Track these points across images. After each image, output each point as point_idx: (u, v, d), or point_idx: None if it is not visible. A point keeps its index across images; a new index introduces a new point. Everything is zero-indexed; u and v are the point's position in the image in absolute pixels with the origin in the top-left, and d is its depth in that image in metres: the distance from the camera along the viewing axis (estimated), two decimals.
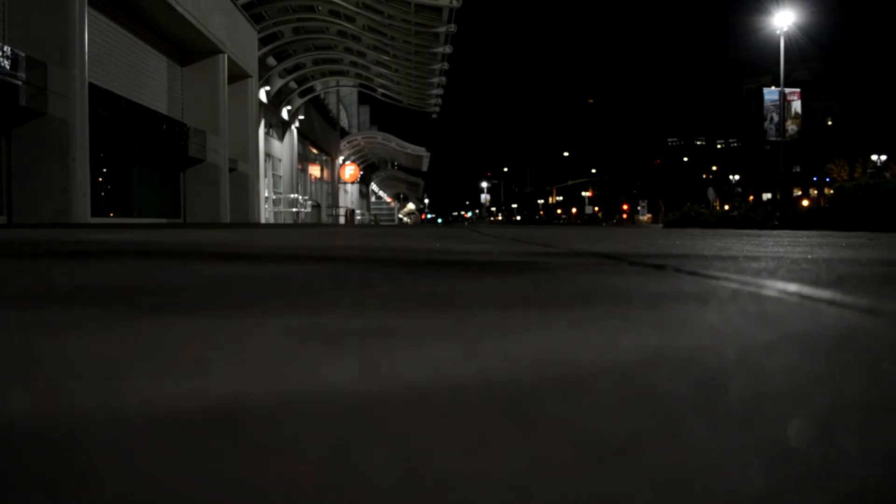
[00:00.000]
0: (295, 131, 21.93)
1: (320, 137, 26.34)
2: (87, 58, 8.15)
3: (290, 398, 0.33)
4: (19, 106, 7.31)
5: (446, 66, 20.45)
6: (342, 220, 27.93)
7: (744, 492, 0.23)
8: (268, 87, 18.25)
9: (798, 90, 35.76)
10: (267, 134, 18.76)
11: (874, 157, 53.69)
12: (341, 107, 33.17)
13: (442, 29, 17.66)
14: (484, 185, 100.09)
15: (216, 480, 0.21)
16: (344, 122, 34.01)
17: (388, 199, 58.92)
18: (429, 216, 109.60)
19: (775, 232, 4.67)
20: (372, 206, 48.55)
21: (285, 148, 21.12)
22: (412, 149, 33.77)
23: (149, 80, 11.82)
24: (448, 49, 19.07)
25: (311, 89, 22.46)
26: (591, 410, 0.30)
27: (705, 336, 0.53)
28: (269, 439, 0.27)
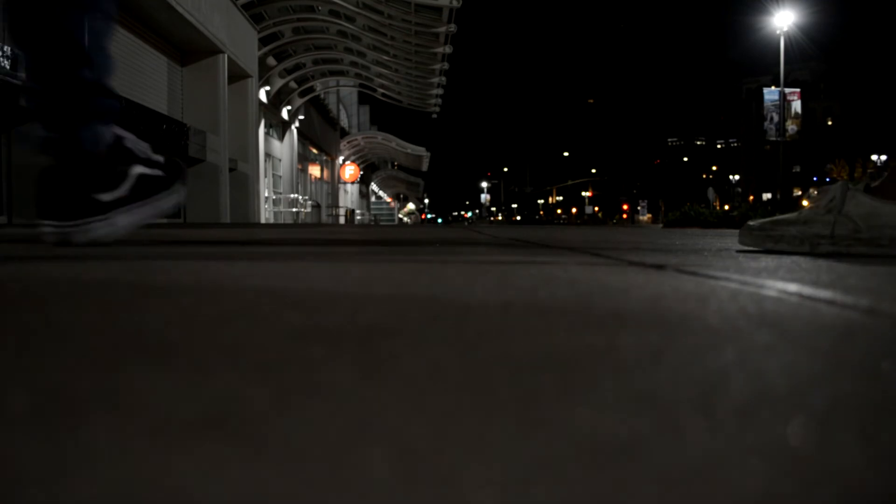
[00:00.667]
0: (295, 131, 21.95)
1: (320, 137, 26.37)
2: None
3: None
4: (19, 106, 7.32)
5: (446, 66, 20.47)
6: (342, 220, 27.96)
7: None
8: (268, 87, 18.27)
9: (798, 90, 35.81)
10: (267, 134, 18.78)
11: (874, 157, 53.75)
12: (341, 107, 33.19)
13: (442, 29, 17.67)
14: (484, 185, 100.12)
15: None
16: (344, 122, 34.04)
17: (388, 199, 58.96)
18: (428, 216, 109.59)
19: None
20: (372, 206, 48.59)
21: (285, 148, 21.14)
22: (412, 149, 33.80)
23: (149, 79, 11.82)
24: (448, 49, 19.08)
25: (311, 89, 22.48)
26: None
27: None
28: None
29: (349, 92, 33.33)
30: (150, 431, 0.24)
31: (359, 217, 35.33)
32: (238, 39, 14.44)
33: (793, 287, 0.76)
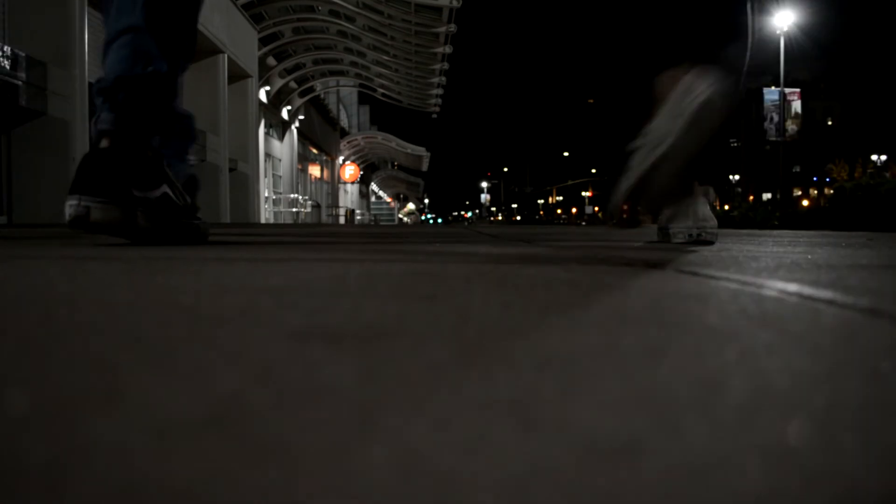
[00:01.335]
0: (295, 131, 21.95)
1: (320, 137, 26.37)
2: (87, 58, 8.15)
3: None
4: (19, 106, 7.32)
5: (446, 66, 20.47)
6: (342, 220, 27.96)
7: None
8: (268, 87, 18.27)
9: (798, 90, 35.78)
10: (267, 134, 18.78)
11: (874, 157, 53.74)
12: (341, 107, 33.19)
13: (442, 29, 17.68)
14: (484, 185, 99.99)
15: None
16: (344, 122, 34.04)
17: (388, 199, 58.96)
18: (428, 216, 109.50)
19: (775, 232, 4.68)
20: (372, 206, 48.58)
21: (285, 148, 21.14)
22: (412, 149, 33.80)
23: None
24: (448, 49, 19.09)
25: (311, 89, 22.48)
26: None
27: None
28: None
29: (349, 92, 33.35)
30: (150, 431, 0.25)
31: (359, 217, 35.32)
32: (238, 39, 14.44)
33: (793, 287, 0.76)
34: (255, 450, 0.23)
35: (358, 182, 37.43)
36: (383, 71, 22.01)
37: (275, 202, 20.17)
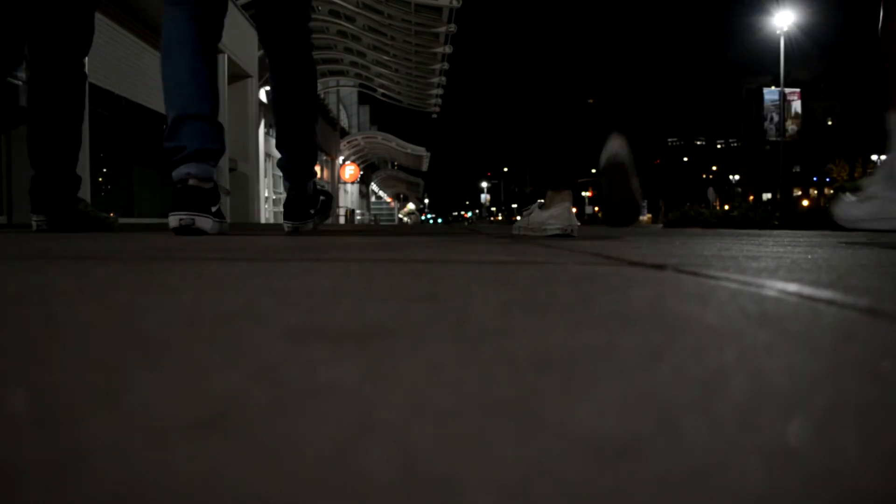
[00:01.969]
0: None
1: (320, 137, 26.33)
2: (86, 58, 8.14)
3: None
4: (19, 106, 7.32)
5: (446, 66, 20.47)
6: (342, 220, 27.95)
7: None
8: (268, 87, 18.25)
9: (798, 90, 35.79)
10: (267, 134, 18.78)
11: (874, 157, 53.75)
12: (341, 107, 33.19)
13: (442, 29, 17.67)
14: (484, 185, 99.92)
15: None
16: (344, 122, 34.03)
17: (388, 199, 58.96)
18: (428, 216, 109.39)
19: (775, 232, 4.68)
20: (372, 206, 48.58)
21: None
22: (412, 149, 33.80)
23: (149, 80, 11.82)
24: (448, 49, 19.09)
25: None
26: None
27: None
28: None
29: (349, 92, 33.34)
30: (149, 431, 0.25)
31: (359, 217, 35.31)
32: (238, 39, 14.44)
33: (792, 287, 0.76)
34: (255, 449, 0.23)
35: (358, 182, 37.43)
36: (383, 71, 22.01)
37: (275, 202, 20.17)
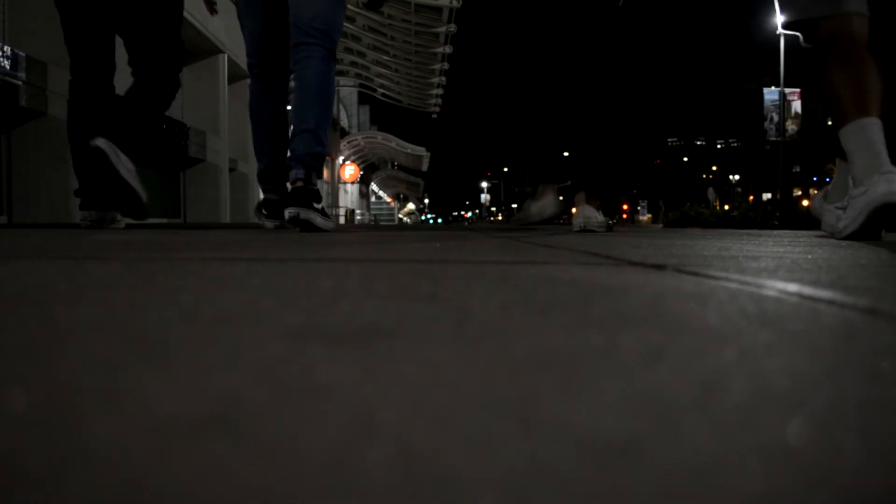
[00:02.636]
0: None
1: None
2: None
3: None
4: (19, 106, 7.32)
5: (446, 66, 20.47)
6: (342, 220, 27.95)
7: None
8: None
9: (798, 90, 35.76)
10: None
11: None
12: (341, 107, 33.19)
13: (442, 29, 17.68)
14: (484, 185, 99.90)
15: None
16: (344, 122, 34.03)
17: (388, 199, 58.96)
18: (428, 216, 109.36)
19: (775, 232, 4.68)
20: (372, 206, 48.58)
21: None
22: (412, 149, 33.79)
23: None
24: (448, 49, 19.09)
25: None
26: None
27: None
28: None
29: (349, 92, 33.33)
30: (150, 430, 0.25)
31: (359, 217, 35.30)
32: (238, 39, 14.38)
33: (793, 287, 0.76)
34: (254, 449, 0.23)
35: (358, 182, 37.42)
36: (383, 71, 22.01)
37: None
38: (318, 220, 3.05)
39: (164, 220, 12.22)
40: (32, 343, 0.42)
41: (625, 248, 1.69)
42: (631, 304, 0.63)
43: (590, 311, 0.59)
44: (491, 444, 0.23)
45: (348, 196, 35.61)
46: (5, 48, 7.05)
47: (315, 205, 3.13)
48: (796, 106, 34.16)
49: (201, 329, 0.47)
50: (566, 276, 0.90)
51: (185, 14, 10.42)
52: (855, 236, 2.29)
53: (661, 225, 15.21)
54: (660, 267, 1.04)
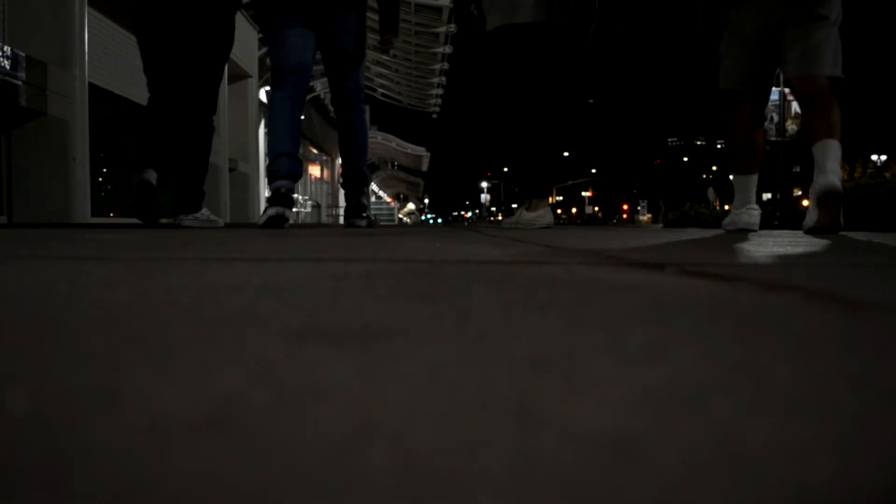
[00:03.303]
0: None
1: (320, 137, 26.36)
2: (87, 58, 8.14)
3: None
4: (19, 106, 7.32)
5: (446, 66, 20.47)
6: (342, 221, 27.94)
7: None
8: (268, 87, 18.25)
9: None
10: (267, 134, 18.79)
11: (874, 157, 53.75)
12: None
13: (442, 29, 17.68)
14: (484, 185, 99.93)
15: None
16: None
17: (388, 199, 58.98)
18: (428, 216, 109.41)
19: (775, 232, 4.68)
20: (372, 206, 48.57)
21: None
22: (412, 149, 33.80)
23: None
24: (448, 49, 19.09)
25: (312, 89, 22.47)
26: None
27: None
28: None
29: None
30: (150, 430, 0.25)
31: None
32: (238, 39, 14.32)
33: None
34: (254, 449, 0.23)
35: None
36: (383, 71, 22.01)
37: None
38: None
39: (164, 220, 12.20)
40: (32, 343, 0.42)
41: (625, 247, 1.69)
42: (631, 304, 0.63)
43: (590, 311, 0.59)
44: (491, 444, 0.24)
45: None
46: (5, 48, 7.05)
47: (363, 214, 4.29)
48: (796, 106, 34.10)
49: (201, 329, 0.47)
50: (567, 276, 0.90)
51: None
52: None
53: (661, 225, 15.21)
54: (660, 267, 1.04)
